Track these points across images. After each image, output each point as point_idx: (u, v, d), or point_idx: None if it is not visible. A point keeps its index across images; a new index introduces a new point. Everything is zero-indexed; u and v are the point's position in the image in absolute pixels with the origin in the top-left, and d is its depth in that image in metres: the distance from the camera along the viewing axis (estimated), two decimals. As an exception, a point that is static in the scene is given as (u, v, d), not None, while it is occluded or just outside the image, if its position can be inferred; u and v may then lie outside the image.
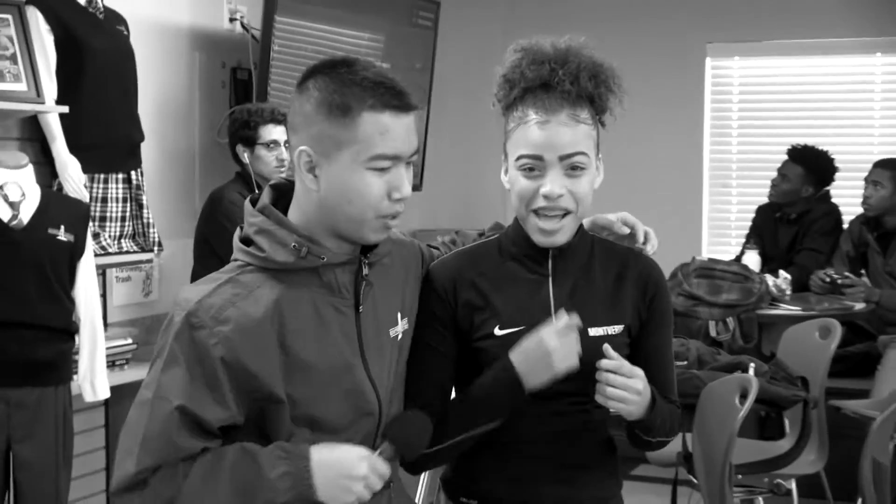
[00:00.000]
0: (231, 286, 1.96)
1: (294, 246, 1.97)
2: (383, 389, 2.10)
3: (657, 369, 2.34)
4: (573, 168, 2.18)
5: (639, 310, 2.33)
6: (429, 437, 2.11)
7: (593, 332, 2.25)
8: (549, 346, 2.10)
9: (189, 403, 1.89)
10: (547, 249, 2.25)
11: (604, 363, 2.16)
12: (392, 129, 1.98)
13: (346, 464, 1.94)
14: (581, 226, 2.30)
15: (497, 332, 2.22)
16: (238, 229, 2.09)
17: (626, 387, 2.15)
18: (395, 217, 2.04)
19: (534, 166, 2.18)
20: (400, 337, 2.16)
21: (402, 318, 2.16)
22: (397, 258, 2.21)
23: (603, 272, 2.32)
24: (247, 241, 2.02)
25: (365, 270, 2.07)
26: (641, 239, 2.46)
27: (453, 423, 2.20)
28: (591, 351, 2.19)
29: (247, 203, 2.08)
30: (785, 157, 6.27)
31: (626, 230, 2.46)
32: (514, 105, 2.24)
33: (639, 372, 2.18)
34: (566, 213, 2.19)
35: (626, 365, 2.17)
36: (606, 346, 2.16)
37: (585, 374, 2.18)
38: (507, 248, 2.31)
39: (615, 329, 2.28)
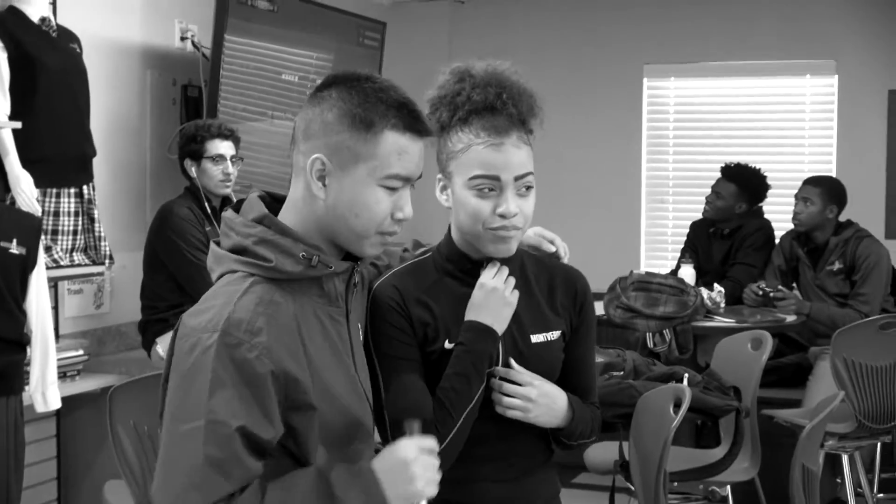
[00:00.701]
0: (249, 298, 1.87)
1: (303, 255, 1.92)
2: (368, 395, 2.08)
3: (583, 373, 2.41)
4: (525, 188, 2.22)
5: (571, 317, 2.38)
6: (427, 395, 2.17)
7: (535, 338, 2.30)
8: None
9: (248, 424, 1.80)
10: (480, 264, 2.28)
11: (497, 370, 2.22)
12: (409, 152, 1.97)
13: (398, 460, 1.88)
14: None
15: (447, 345, 2.24)
16: (212, 244, 2.03)
17: (518, 395, 2.21)
18: (392, 235, 2.02)
19: (491, 186, 2.19)
20: (361, 344, 2.14)
21: (360, 328, 2.15)
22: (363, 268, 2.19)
23: (536, 283, 2.36)
24: (240, 251, 1.94)
25: (356, 279, 2.06)
26: (562, 252, 2.50)
27: (440, 426, 2.19)
28: (532, 356, 2.27)
29: (230, 214, 2.01)
30: (718, 174, 6.31)
31: (552, 247, 2.48)
32: (457, 127, 2.24)
33: (535, 381, 2.24)
34: (518, 229, 2.23)
35: (523, 374, 2.24)
36: (510, 359, 2.24)
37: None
38: (442, 264, 2.33)
39: (554, 335, 2.33)
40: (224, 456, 1.79)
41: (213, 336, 1.82)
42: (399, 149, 1.95)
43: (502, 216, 2.18)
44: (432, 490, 1.90)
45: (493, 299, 2.21)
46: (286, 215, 1.99)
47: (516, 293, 2.25)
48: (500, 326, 2.23)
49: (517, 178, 2.20)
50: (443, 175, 2.27)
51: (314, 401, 1.90)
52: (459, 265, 2.30)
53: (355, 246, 1.99)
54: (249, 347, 1.82)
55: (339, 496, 1.84)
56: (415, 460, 1.87)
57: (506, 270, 2.26)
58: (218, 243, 2.02)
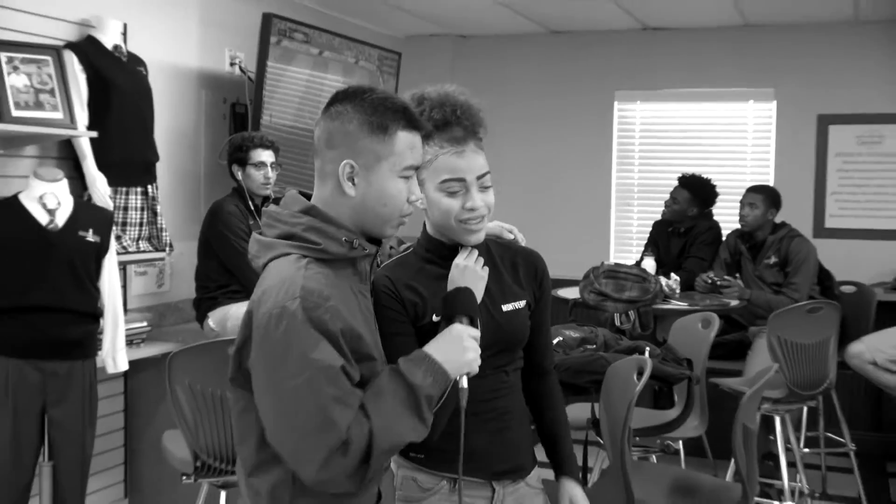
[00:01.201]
0: (311, 272, 1.88)
1: (345, 240, 1.95)
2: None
3: (543, 334, 2.49)
4: (484, 186, 2.28)
5: (533, 289, 2.44)
6: (475, 298, 2.17)
7: (506, 307, 2.36)
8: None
9: (344, 365, 1.85)
10: (454, 250, 2.31)
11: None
12: (416, 145, 2.02)
13: (451, 338, 2.01)
14: None
15: (434, 319, 2.25)
16: (255, 234, 2.03)
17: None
18: (407, 217, 2.05)
19: (458, 187, 2.25)
20: None
21: None
22: None
23: (502, 263, 2.41)
24: (289, 237, 1.95)
25: (379, 261, 2.11)
26: (519, 238, 2.56)
27: None
28: (504, 322, 2.33)
29: (275, 208, 2.02)
30: (676, 182, 6.31)
31: (511, 235, 2.55)
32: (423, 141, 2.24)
33: None
34: (483, 218, 2.29)
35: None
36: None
37: (501, 343, 2.33)
38: (422, 254, 2.36)
39: (520, 304, 2.39)
40: (341, 391, 1.83)
41: (296, 302, 1.83)
42: (409, 144, 2.00)
43: (471, 209, 2.25)
44: (477, 365, 2.03)
45: (468, 274, 2.24)
46: (323, 210, 2.00)
47: (486, 269, 2.29)
48: (478, 294, 2.25)
49: (478, 178, 2.26)
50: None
51: (374, 353, 1.96)
52: (437, 253, 2.34)
53: (380, 229, 2.02)
54: (325, 311, 1.84)
55: (412, 381, 1.91)
56: (467, 338, 2.01)
57: (475, 252, 2.30)
58: (260, 234, 2.02)
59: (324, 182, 2.00)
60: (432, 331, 2.21)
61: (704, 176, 6.26)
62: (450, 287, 2.24)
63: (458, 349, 1.99)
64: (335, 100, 2.01)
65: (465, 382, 2.03)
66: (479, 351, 2.04)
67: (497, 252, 2.43)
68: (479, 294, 2.24)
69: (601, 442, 3.73)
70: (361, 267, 2.03)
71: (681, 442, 4.58)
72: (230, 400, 2.02)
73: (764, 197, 5.73)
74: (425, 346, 2.00)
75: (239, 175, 4.79)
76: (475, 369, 2.03)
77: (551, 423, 2.52)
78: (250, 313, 1.91)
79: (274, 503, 1.93)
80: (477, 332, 2.06)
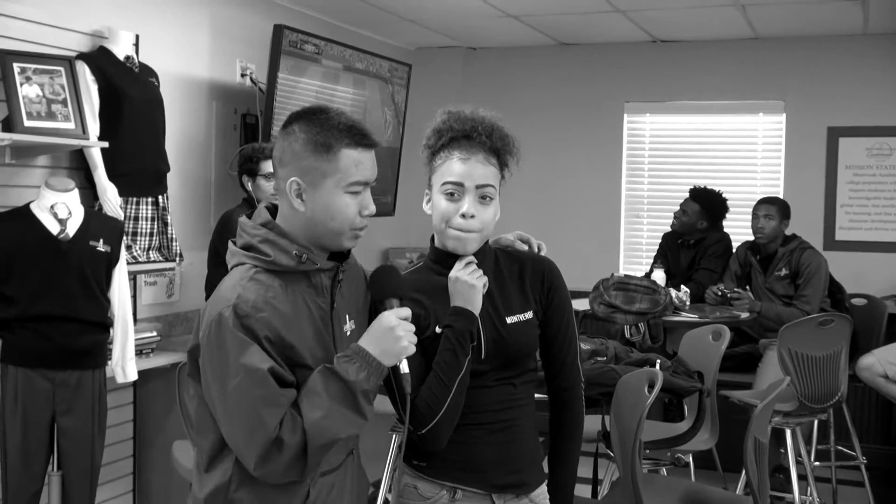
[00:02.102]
0: (254, 283, 1.98)
1: (295, 253, 2.02)
2: None
3: (561, 347, 2.43)
4: (483, 197, 2.27)
5: (541, 298, 2.40)
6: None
7: (510, 319, 2.33)
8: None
9: (273, 367, 1.93)
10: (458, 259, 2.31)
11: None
12: (363, 162, 2.05)
13: (381, 328, 2.04)
14: (486, 242, 2.38)
15: (437, 330, 2.27)
16: (230, 242, 2.11)
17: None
18: (363, 229, 2.10)
19: (455, 192, 2.26)
20: (349, 334, 2.16)
21: (350, 319, 2.18)
22: (352, 271, 2.23)
23: (508, 272, 2.40)
24: (248, 248, 2.04)
25: (340, 276, 2.12)
26: (536, 249, 2.53)
27: (438, 394, 2.22)
28: (509, 334, 2.31)
29: (244, 219, 2.11)
30: (686, 194, 6.30)
31: (525, 246, 2.52)
32: (440, 149, 2.31)
33: None
34: (475, 232, 2.28)
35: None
36: None
37: (505, 355, 2.30)
38: (430, 266, 2.38)
39: (527, 315, 2.36)
40: (268, 392, 1.92)
41: (229, 309, 1.93)
42: (354, 161, 2.03)
43: (462, 216, 2.25)
44: (413, 348, 2.06)
45: (460, 286, 2.24)
46: (281, 224, 2.08)
47: (482, 277, 2.27)
48: (472, 307, 2.25)
49: (478, 187, 2.26)
50: (428, 189, 2.34)
51: (308, 362, 2.01)
52: (442, 263, 2.34)
53: (335, 242, 2.08)
54: (254, 319, 1.93)
55: (345, 378, 1.97)
56: (398, 325, 2.03)
57: (470, 260, 2.29)
58: (234, 243, 2.11)
59: (281, 198, 2.09)
60: (436, 342, 2.24)
61: (716, 190, 6.24)
62: (452, 299, 2.26)
63: (390, 338, 2.03)
64: (289, 120, 2.08)
65: (405, 367, 2.07)
66: (413, 331, 2.07)
67: (505, 263, 2.41)
68: (474, 305, 2.24)
69: (611, 454, 3.71)
70: (317, 280, 2.07)
71: (691, 455, 4.55)
72: (186, 395, 2.13)
73: (778, 208, 5.72)
74: (360, 340, 2.04)
75: (249, 186, 4.79)
76: (412, 351, 2.07)
77: (553, 449, 2.45)
78: (198, 318, 2.03)
79: (215, 495, 2.04)
80: (407, 312, 2.08)
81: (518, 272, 2.40)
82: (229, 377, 1.92)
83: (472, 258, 2.29)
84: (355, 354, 2.01)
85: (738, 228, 6.27)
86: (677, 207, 6.32)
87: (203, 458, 2.08)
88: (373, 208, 2.09)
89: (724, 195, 6.23)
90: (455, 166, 2.27)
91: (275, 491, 2.02)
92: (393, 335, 2.03)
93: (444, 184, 2.27)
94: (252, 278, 1.99)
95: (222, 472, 2.03)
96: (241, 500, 2.02)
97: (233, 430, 1.96)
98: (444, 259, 2.34)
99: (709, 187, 6.26)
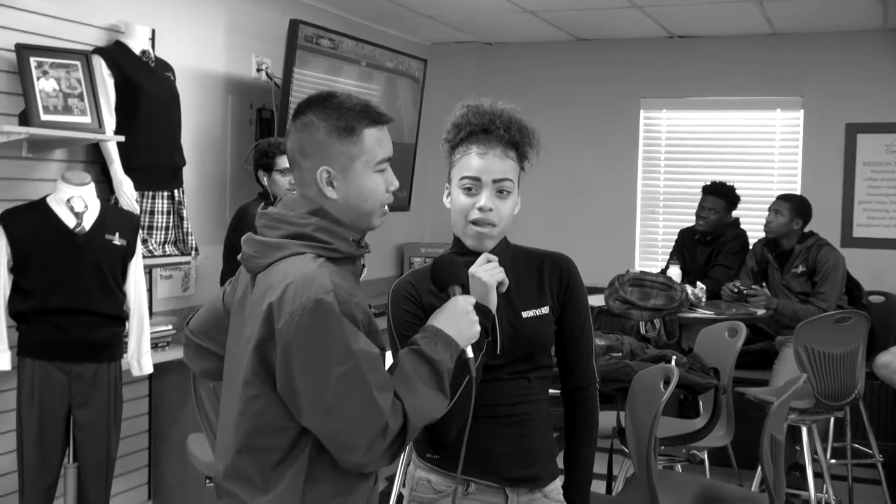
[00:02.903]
0: (330, 271, 1.93)
1: (353, 239, 2.02)
2: None
3: (572, 347, 2.43)
4: (501, 191, 2.29)
5: (557, 293, 2.40)
6: (462, 268, 2.16)
7: (525, 314, 2.34)
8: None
9: (380, 351, 1.93)
10: (478, 252, 2.31)
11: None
12: (383, 139, 2.06)
13: (458, 310, 2.06)
14: (504, 237, 2.39)
15: None
16: (253, 237, 2.04)
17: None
18: (389, 205, 2.10)
19: (472, 186, 2.28)
20: None
21: None
22: None
23: (526, 268, 2.40)
24: (299, 237, 1.99)
25: (363, 262, 2.13)
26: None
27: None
28: (524, 329, 2.31)
29: (279, 211, 2.04)
30: (701, 192, 6.27)
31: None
32: (459, 144, 2.33)
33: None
34: (493, 225, 2.29)
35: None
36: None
37: (520, 349, 2.31)
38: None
39: (543, 310, 2.36)
40: (381, 377, 1.89)
41: (330, 295, 1.87)
42: (377, 139, 2.04)
43: (480, 209, 2.26)
44: (478, 333, 2.07)
45: (475, 283, 2.23)
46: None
47: (498, 274, 2.23)
48: (487, 302, 2.22)
49: (495, 181, 2.28)
50: (448, 183, 2.36)
51: (383, 346, 1.99)
52: (466, 256, 2.31)
53: (366, 223, 2.07)
54: (353, 304, 1.90)
55: (431, 357, 1.96)
56: (471, 308, 2.07)
57: (491, 258, 2.27)
58: (257, 235, 2.05)
59: (306, 189, 2.05)
60: None
61: (726, 182, 6.23)
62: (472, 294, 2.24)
63: (465, 321, 2.05)
64: (299, 111, 2.06)
65: (470, 352, 2.07)
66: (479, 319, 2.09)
67: (523, 258, 2.42)
68: (489, 301, 2.22)
69: (626, 451, 3.70)
70: (357, 267, 2.08)
71: (706, 451, 4.53)
72: (240, 400, 1.98)
73: (791, 206, 5.69)
74: (432, 321, 2.04)
75: (264, 180, 4.79)
76: (477, 337, 2.08)
77: (569, 447, 2.46)
78: (270, 309, 1.91)
79: (288, 495, 1.94)
80: (473, 300, 2.10)
81: (537, 268, 2.41)
82: (334, 364, 1.85)
83: (492, 255, 2.28)
84: (434, 335, 2.00)
85: (755, 225, 6.24)
86: (694, 203, 6.29)
87: (269, 458, 1.95)
88: (397, 183, 2.10)
89: (732, 185, 6.20)
90: (473, 161, 2.28)
91: (351, 479, 1.98)
92: (469, 318, 2.05)
93: (462, 178, 2.29)
94: (324, 266, 1.94)
95: (296, 469, 1.94)
96: (323, 495, 1.95)
97: (337, 420, 1.86)
98: (463, 252, 2.34)
99: (720, 181, 6.23)
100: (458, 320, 2.04)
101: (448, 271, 2.15)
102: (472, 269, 2.25)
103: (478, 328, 2.06)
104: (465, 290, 2.13)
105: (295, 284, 1.89)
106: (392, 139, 2.11)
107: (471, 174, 2.27)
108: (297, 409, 1.90)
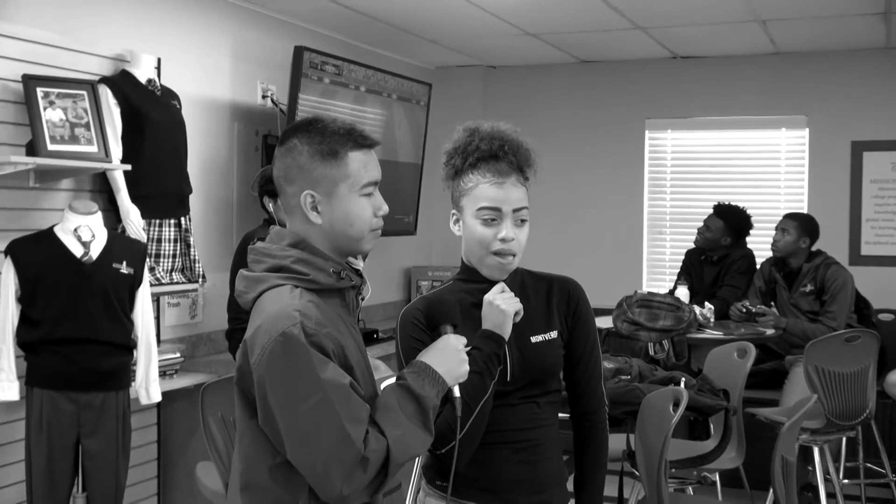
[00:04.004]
0: (304, 301, 1.92)
1: (332, 270, 1.98)
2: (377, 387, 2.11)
3: (580, 371, 2.42)
4: (520, 220, 2.29)
5: (566, 317, 2.40)
6: (451, 304, 2.17)
7: (534, 339, 2.33)
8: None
9: (351, 382, 1.88)
10: (491, 283, 2.31)
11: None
12: (369, 162, 2.03)
13: (448, 348, 2.04)
14: None
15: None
16: (242, 272, 2.04)
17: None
18: (379, 229, 2.07)
19: (494, 217, 2.26)
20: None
21: None
22: None
23: (534, 292, 2.39)
24: (279, 270, 1.98)
25: (361, 293, 2.11)
26: None
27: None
28: (532, 354, 2.30)
29: (263, 244, 2.05)
30: (709, 210, 6.28)
31: None
32: (467, 171, 2.31)
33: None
34: (513, 255, 2.29)
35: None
36: None
37: (529, 374, 2.29)
38: (458, 284, 2.38)
39: (551, 335, 2.36)
40: (351, 407, 1.85)
41: (297, 326, 1.85)
42: (362, 162, 2.01)
43: (502, 240, 2.26)
44: (467, 374, 2.05)
45: (492, 310, 2.23)
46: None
47: (515, 303, 2.26)
48: (503, 331, 2.23)
49: (514, 211, 2.28)
50: (456, 210, 2.35)
51: (361, 382, 1.95)
52: (474, 283, 2.34)
53: (356, 248, 2.05)
54: (323, 335, 1.87)
55: (418, 393, 1.93)
56: (461, 348, 2.05)
57: (503, 287, 2.29)
58: (247, 270, 2.05)
59: (292, 216, 2.04)
60: None
61: (740, 206, 6.22)
62: (483, 321, 2.25)
63: (456, 360, 2.03)
64: (285, 136, 2.05)
65: (457, 391, 2.06)
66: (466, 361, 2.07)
67: (531, 283, 2.41)
68: (504, 330, 2.23)
69: (637, 474, 3.69)
70: (349, 298, 2.06)
71: (718, 473, 4.51)
72: (237, 432, 1.99)
73: (797, 224, 5.68)
74: (421, 357, 2.02)
75: (270, 207, 4.79)
76: (465, 377, 2.06)
77: (579, 472, 2.45)
78: (245, 344, 1.92)
79: None
80: (464, 340, 2.08)
81: (545, 292, 2.40)
82: (303, 397, 1.83)
83: (504, 285, 2.29)
84: (422, 371, 1.98)
85: (762, 244, 6.24)
86: (700, 224, 6.30)
87: (264, 498, 1.95)
88: (386, 208, 2.06)
89: (749, 213, 6.20)
90: (490, 191, 2.26)
91: None
92: (459, 357, 2.03)
93: (481, 209, 2.27)
94: (301, 297, 1.92)
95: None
96: None
97: (311, 454, 1.84)
98: (474, 279, 2.34)
99: (733, 203, 6.23)
100: (447, 358, 2.02)
101: (441, 311, 2.14)
102: (489, 297, 2.25)
103: (467, 368, 2.04)
104: (456, 330, 2.11)
105: (267, 318, 1.90)
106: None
107: (490, 204, 2.26)
108: (280, 444, 1.89)
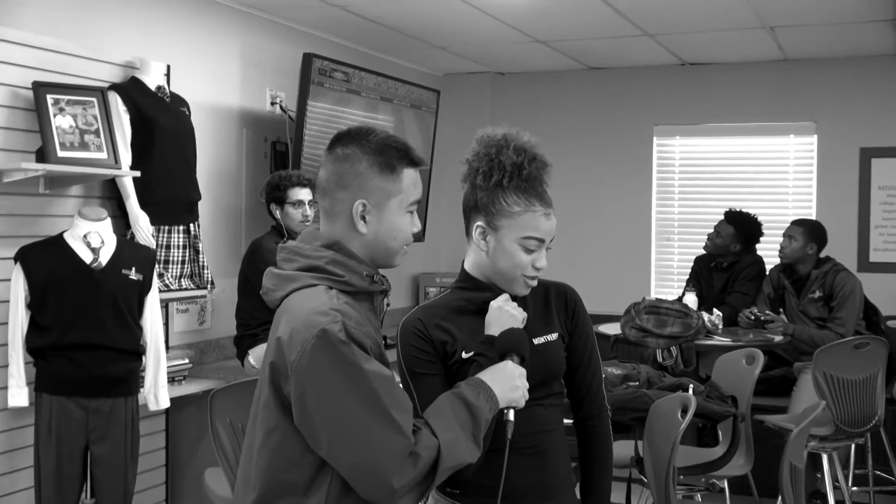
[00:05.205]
0: (342, 303, 1.94)
1: (366, 274, 2.01)
2: None
3: (581, 375, 2.45)
4: (548, 248, 2.34)
5: (565, 321, 2.44)
6: (525, 338, 2.21)
7: (536, 341, 2.34)
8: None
9: (392, 374, 1.92)
10: (491, 288, 2.34)
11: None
12: (418, 181, 2.10)
13: (507, 372, 2.10)
14: None
15: (464, 355, 2.27)
16: (271, 270, 2.06)
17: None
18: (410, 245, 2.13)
19: (536, 247, 2.29)
20: None
21: None
22: None
23: (532, 296, 2.41)
24: (312, 270, 2.00)
25: (387, 300, 2.13)
26: None
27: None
28: (536, 356, 2.30)
29: (296, 244, 2.06)
30: (717, 217, 6.26)
31: None
32: (508, 190, 2.30)
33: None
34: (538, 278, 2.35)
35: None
36: None
37: (534, 377, 2.26)
38: (458, 292, 2.39)
39: (552, 337, 2.39)
40: (397, 397, 1.89)
41: (338, 324, 1.87)
42: (413, 181, 2.08)
43: (538, 269, 2.31)
44: (524, 402, 2.12)
45: (502, 315, 2.25)
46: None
47: (522, 313, 2.29)
48: None
49: (549, 241, 2.34)
50: (487, 226, 2.32)
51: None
52: (475, 291, 2.36)
53: (390, 261, 2.10)
54: (363, 334, 1.90)
55: (473, 403, 1.99)
56: (520, 376, 2.11)
57: (508, 296, 2.31)
58: (277, 268, 2.06)
59: (334, 220, 2.05)
60: (462, 368, 2.23)
61: (751, 213, 6.20)
62: (487, 327, 2.25)
63: (510, 383, 2.08)
64: (339, 142, 2.07)
65: (511, 415, 2.10)
66: (527, 388, 2.12)
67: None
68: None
69: (645, 481, 3.67)
70: (378, 303, 2.08)
71: (726, 480, 4.49)
72: (260, 435, 1.97)
73: (805, 230, 5.66)
74: (479, 375, 2.07)
75: (277, 213, 4.80)
76: (521, 405, 2.11)
77: (585, 478, 2.46)
78: (280, 341, 1.91)
79: None
80: (524, 372, 2.13)
81: (542, 296, 2.43)
82: (348, 390, 1.84)
83: (507, 295, 2.32)
84: (478, 385, 2.04)
85: (771, 251, 6.22)
86: (709, 230, 6.28)
87: (288, 493, 1.93)
88: (420, 225, 2.13)
89: (759, 221, 6.18)
90: (540, 222, 2.30)
91: None
92: (514, 383, 2.09)
93: (529, 238, 2.29)
94: (337, 297, 1.95)
95: (316, 502, 1.91)
96: None
97: (359, 448, 1.84)
98: (475, 287, 2.36)
99: (744, 210, 6.21)
100: (504, 381, 2.08)
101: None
102: (498, 303, 2.27)
103: (520, 394, 2.09)
104: (522, 363, 2.16)
105: (304, 316, 1.90)
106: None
107: (539, 236, 2.30)
108: (317, 442, 1.88)
